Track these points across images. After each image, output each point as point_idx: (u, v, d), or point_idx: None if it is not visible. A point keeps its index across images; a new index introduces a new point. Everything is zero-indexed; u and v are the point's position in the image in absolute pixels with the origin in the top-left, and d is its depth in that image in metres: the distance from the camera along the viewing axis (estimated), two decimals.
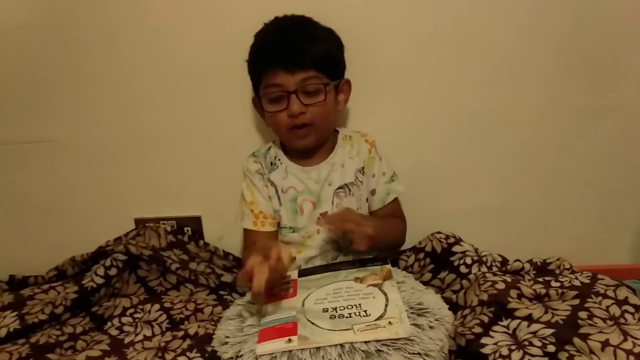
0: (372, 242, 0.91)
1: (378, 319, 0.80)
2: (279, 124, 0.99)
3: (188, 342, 0.92)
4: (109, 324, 1.01)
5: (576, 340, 0.73)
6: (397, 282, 0.89)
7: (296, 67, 0.94)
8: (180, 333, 0.95)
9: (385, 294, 0.85)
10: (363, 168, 1.06)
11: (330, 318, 0.81)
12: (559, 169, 1.18)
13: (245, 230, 1.07)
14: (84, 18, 1.14)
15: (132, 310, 1.03)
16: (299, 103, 0.96)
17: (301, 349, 0.76)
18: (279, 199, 1.05)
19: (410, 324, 0.78)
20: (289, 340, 0.78)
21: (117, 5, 1.12)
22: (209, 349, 0.88)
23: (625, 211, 1.21)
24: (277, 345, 0.77)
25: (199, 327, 0.96)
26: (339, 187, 1.04)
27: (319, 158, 1.06)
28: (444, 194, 1.20)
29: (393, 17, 1.11)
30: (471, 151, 1.18)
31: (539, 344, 0.74)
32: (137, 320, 1.01)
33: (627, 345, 0.71)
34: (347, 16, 1.08)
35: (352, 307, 0.83)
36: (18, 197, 1.26)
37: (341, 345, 0.76)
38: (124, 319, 1.02)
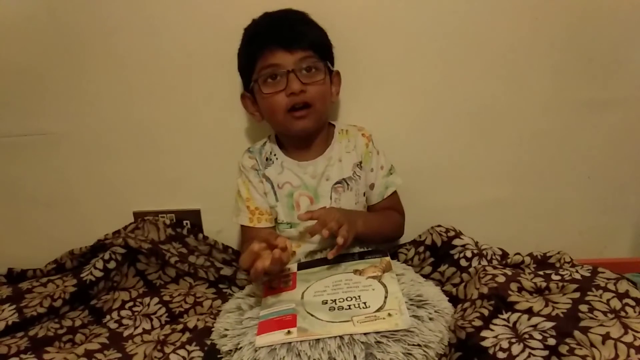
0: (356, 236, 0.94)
1: (377, 310, 0.79)
2: (277, 107, 0.97)
3: (187, 335, 0.92)
4: (108, 317, 1.01)
5: (577, 333, 0.73)
6: (397, 275, 0.89)
7: (295, 45, 0.95)
8: (180, 326, 0.95)
9: (384, 286, 0.85)
10: (360, 162, 1.06)
11: (329, 310, 0.81)
12: (560, 163, 1.18)
13: (242, 226, 1.07)
14: (81, 11, 1.13)
15: (131, 304, 1.03)
16: (298, 81, 0.95)
17: (300, 341, 0.76)
18: (275, 194, 1.04)
19: (410, 316, 0.78)
20: (289, 332, 0.78)
21: None
22: (208, 342, 0.88)
23: (627, 204, 1.21)
24: (277, 337, 0.77)
25: (198, 320, 0.96)
26: (337, 182, 1.04)
27: (315, 152, 1.05)
28: (445, 187, 1.20)
29: (393, 10, 1.10)
30: (472, 145, 1.17)
31: (540, 337, 0.74)
32: (136, 313, 1.01)
33: (628, 338, 0.70)
34: (347, 10, 1.08)
35: (352, 299, 0.83)
36: (16, 190, 1.25)
37: (340, 336, 0.76)
38: (123, 312, 1.01)
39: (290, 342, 0.76)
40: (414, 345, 0.75)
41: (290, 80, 0.95)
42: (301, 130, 1.00)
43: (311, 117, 0.99)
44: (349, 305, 0.81)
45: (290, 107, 0.97)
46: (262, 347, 0.77)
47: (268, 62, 0.96)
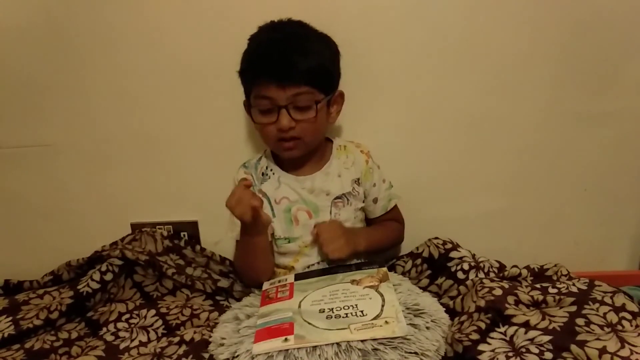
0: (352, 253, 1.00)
1: (374, 318, 0.80)
2: (268, 136, 1.00)
3: (184, 348, 0.91)
4: (105, 329, 1.00)
5: (573, 347, 0.73)
6: (393, 285, 0.89)
7: (288, 81, 0.93)
8: (176, 339, 0.94)
9: (381, 295, 0.86)
10: (359, 179, 1.07)
11: (326, 318, 0.82)
12: (556, 175, 1.19)
13: (237, 241, 1.07)
14: (81, 22, 1.14)
15: (127, 316, 1.02)
16: (288, 118, 0.95)
17: (297, 348, 0.76)
18: (272, 210, 1.04)
19: (407, 324, 0.78)
20: (286, 339, 0.78)
21: (115, 8, 1.13)
22: (206, 355, 0.87)
23: (623, 217, 1.21)
24: (274, 344, 0.78)
25: (195, 332, 0.95)
26: (337, 197, 1.04)
27: (312, 168, 1.06)
28: (442, 199, 1.20)
29: (391, 23, 1.11)
30: (468, 157, 1.18)
31: (536, 350, 0.74)
32: (132, 325, 1.00)
33: (625, 352, 0.70)
34: (344, 23, 1.09)
35: (349, 307, 0.83)
36: (14, 201, 1.26)
37: (338, 343, 0.76)
38: (120, 325, 1.01)
39: (287, 350, 0.77)
40: (410, 352, 0.75)
41: (281, 115, 0.95)
42: (289, 158, 1.03)
43: (299, 148, 1.00)
44: (346, 314, 0.82)
45: (279, 138, 0.98)
46: (259, 354, 0.77)
47: (261, 94, 0.96)
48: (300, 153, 1.02)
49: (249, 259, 1.01)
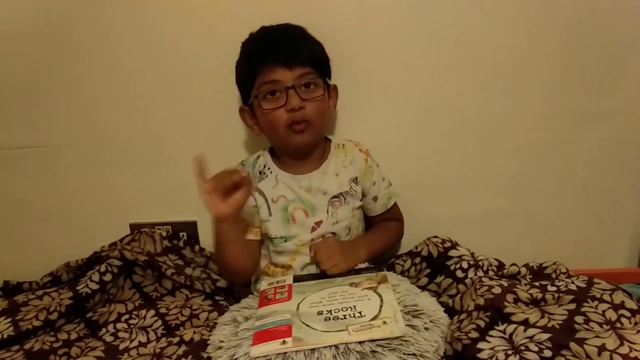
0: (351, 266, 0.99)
1: (372, 319, 0.80)
2: (277, 123, 0.99)
3: (183, 348, 0.92)
4: (104, 330, 1.00)
5: (573, 345, 0.73)
6: (392, 285, 0.89)
7: (294, 62, 0.96)
8: (176, 339, 0.94)
9: (379, 296, 0.86)
10: (357, 178, 1.07)
11: (325, 320, 0.82)
12: (556, 174, 1.19)
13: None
14: (80, 23, 1.14)
15: (127, 316, 1.02)
16: (298, 97, 0.96)
17: (296, 351, 0.76)
18: (268, 208, 1.04)
19: (405, 325, 0.78)
20: (284, 342, 0.78)
21: (114, 10, 1.13)
22: (205, 355, 0.87)
23: (622, 215, 1.21)
24: (272, 347, 0.78)
25: (194, 332, 0.95)
26: (335, 196, 1.04)
27: (310, 166, 1.06)
28: (441, 198, 1.20)
29: (389, 24, 1.11)
30: (468, 156, 1.18)
31: (536, 348, 0.74)
32: (132, 326, 1.00)
33: (624, 349, 0.70)
34: (343, 24, 1.09)
35: (347, 309, 0.83)
36: (13, 201, 1.26)
37: (336, 346, 0.76)
38: (119, 325, 1.01)
39: (285, 352, 0.76)
40: (409, 354, 0.75)
41: (290, 96, 0.96)
42: (300, 145, 1.01)
43: (310, 132, 1.00)
44: (345, 315, 0.82)
45: (290, 123, 0.98)
46: (258, 357, 0.77)
47: (268, 78, 0.97)
48: (310, 139, 1.01)
49: (220, 250, 0.99)
